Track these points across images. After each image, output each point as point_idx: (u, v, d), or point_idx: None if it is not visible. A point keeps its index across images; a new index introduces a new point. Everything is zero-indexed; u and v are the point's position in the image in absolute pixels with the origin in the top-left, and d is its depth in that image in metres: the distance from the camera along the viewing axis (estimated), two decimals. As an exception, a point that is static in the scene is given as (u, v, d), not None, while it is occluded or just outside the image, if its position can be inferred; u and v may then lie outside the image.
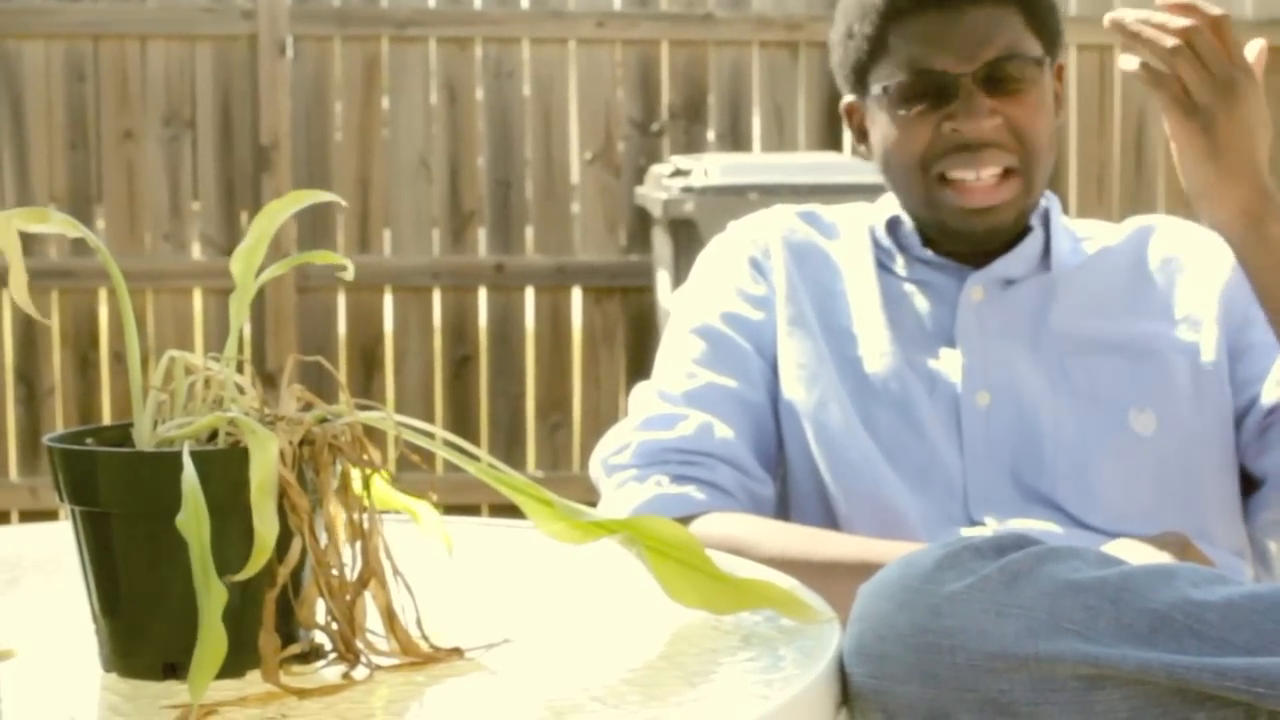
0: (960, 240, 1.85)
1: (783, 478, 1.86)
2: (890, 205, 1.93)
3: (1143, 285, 1.87)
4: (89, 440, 1.14)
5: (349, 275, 1.17)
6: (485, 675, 1.11)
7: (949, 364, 1.82)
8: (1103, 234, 1.93)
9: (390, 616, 1.12)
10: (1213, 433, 1.80)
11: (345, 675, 1.10)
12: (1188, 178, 1.71)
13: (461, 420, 4.86)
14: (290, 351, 4.64)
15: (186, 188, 4.79)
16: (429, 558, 1.28)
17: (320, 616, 1.11)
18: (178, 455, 1.04)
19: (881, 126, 1.86)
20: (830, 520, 1.79)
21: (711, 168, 4.19)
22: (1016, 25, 1.82)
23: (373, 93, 4.84)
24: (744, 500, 1.77)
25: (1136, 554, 1.58)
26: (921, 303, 1.87)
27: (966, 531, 1.73)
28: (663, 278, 4.43)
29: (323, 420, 1.12)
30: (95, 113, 4.74)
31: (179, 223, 4.79)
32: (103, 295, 4.77)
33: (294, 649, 1.09)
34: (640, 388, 1.88)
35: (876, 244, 1.92)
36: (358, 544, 1.11)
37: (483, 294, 4.89)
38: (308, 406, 1.13)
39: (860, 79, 1.88)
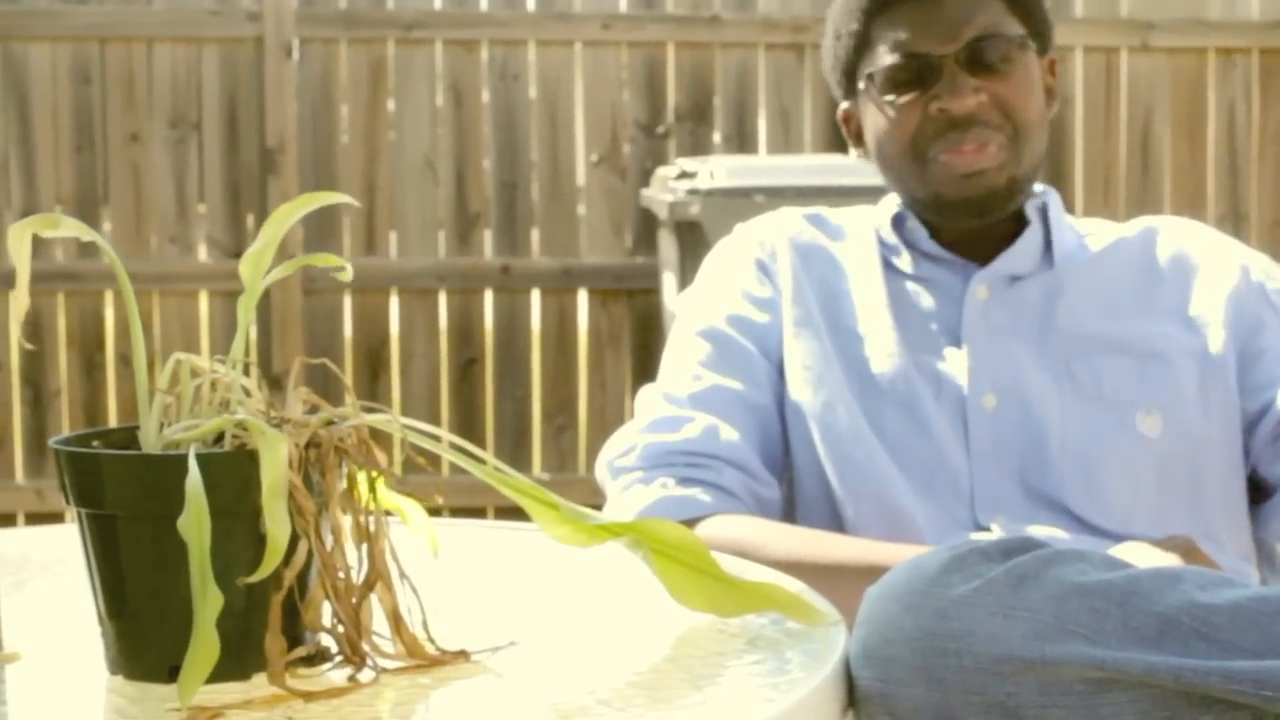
0: (958, 212, 1.85)
1: (789, 480, 1.86)
2: (894, 204, 1.93)
3: (1150, 285, 1.87)
4: (95, 443, 1.14)
5: (347, 276, 1.17)
6: (491, 678, 1.11)
7: (955, 365, 1.82)
8: (1108, 232, 1.93)
9: (396, 619, 1.12)
10: (1219, 437, 1.79)
11: (351, 678, 1.10)
12: None
13: (467, 423, 4.86)
14: (296, 354, 4.64)
15: (192, 190, 4.79)
16: (434, 560, 1.28)
17: (326, 619, 1.11)
18: (184, 458, 1.04)
19: (871, 117, 1.88)
20: (836, 522, 1.79)
21: (717, 170, 4.19)
22: (997, 8, 1.85)
23: (378, 95, 4.84)
24: (750, 503, 1.77)
25: (1143, 557, 1.58)
26: (927, 302, 1.87)
27: (973, 535, 1.73)
28: (668, 280, 4.43)
29: (329, 423, 1.12)
30: (101, 115, 4.74)
31: (185, 225, 4.79)
32: (108, 298, 4.77)
33: (300, 652, 1.09)
34: (646, 390, 1.88)
35: (882, 242, 1.92)
36: (364, 547, 1.11)
37: (488, 296, 4.89)
38: (314, 409, 1.13)
39: (851, 78, 1.90)
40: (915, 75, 1.83)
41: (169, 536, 1.03)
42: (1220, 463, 1.79)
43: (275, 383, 4.49)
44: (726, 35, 4.91)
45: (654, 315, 4.77)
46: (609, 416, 4.84)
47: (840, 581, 1.47)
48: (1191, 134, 5.09)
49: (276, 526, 1.03)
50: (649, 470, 1.77)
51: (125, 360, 4.76)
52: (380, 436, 1.16)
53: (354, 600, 1.10)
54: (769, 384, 1.85)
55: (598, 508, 1.35)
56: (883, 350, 1.83)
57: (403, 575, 1.12)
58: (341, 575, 1.10)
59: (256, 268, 1.15)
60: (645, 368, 4.75)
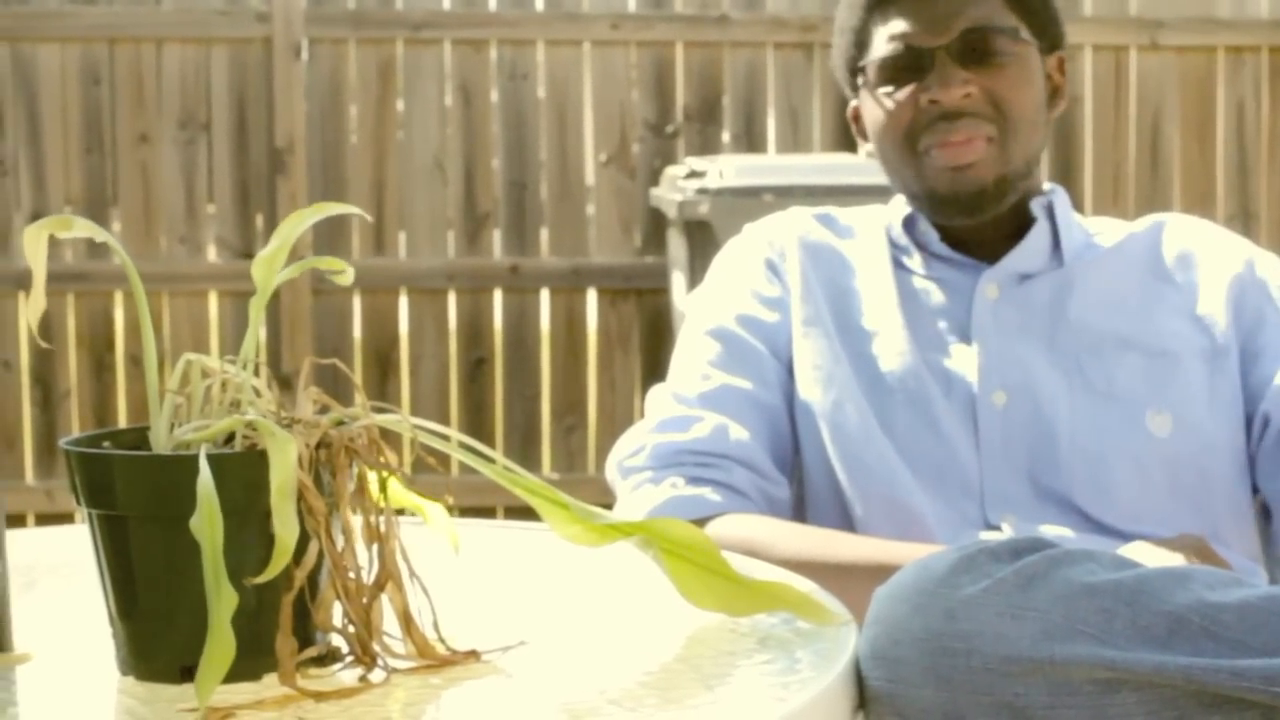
0: (949, 209, 1.85)
1: (798, 479, 1.86)
2: (905, 204, 1.93)
3: (1158, 282, 1.87)
4: (105, 443, 1.14)
5: (347, 280, 1.17)
6: (502, 678, 1.11)
7: (965, 363, 1.82)
8: (1116, 230, 1.93)
9: (407, 619, 1.12)
10: (1226, 438, 1.79)
11: (362, 678, 1.10)
12: None
13: (477, 422, 4.86)
14: (306, 354, 4.64)
15: (201, 191, 4.79)
16: (445, 560, 1.29)
17: (337, 619, 1.11)
18: (194, 459, 1.04)
19: (869, 110, 1.89)
20: (846, 521, 1.79)
21: (726, 169, 4.19)
22: (994, 2, 1.86)
23: (388, 95, 4.84)
24: (760, 502, 1.77)
25: (1152, 556, 1.58)
26: (937, 300, 1.87)
27: (983, 534, 1.73)
28: (678, 279, 4.43)
29: (339, 423, 1.12)
30: (110, 116, 4.75)
31: (194, 225, 4.80)
32: (118, 298, 4.77)
33: (311, 652, 1.10)
34: (655, 390, 1.88)
35: (892, 243, 1.92)
36: (374, 547, 1.11)
37: (498, 296, 4.89)
38: (324, 409, 1.13)
39: (855, 74, 1.91)
40: (908, 67, 1.84)
41: (180, 537, 1.03)
42: (1227, 465, 1.79)
43: (285, 383, 4.49)
44: (735, 35, 4.91)
45: (663, 315, 4.77)
46: (618, 416, 4.84)
47: (850, 581, 1.47)
48: (1201, 132, 5.08)
49: (285, 527, 1.04)
50: (659, 470, 1.77)
51: (135, 360, 4.77)
52: (390, 436, 1.16)
53: (365, 600, 1.10)
54: (778, 383, 1.85)
55: (608, 507, 1.35)
56: (892, 349, 1.83)
57: (413, 575, 1.13)
58: (352, 575, 1.10)
59: (269, 270, 1.15)
60: (654, 367, 4.75)
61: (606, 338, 4.91)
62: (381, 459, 1.12)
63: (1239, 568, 1.71)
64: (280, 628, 1.06)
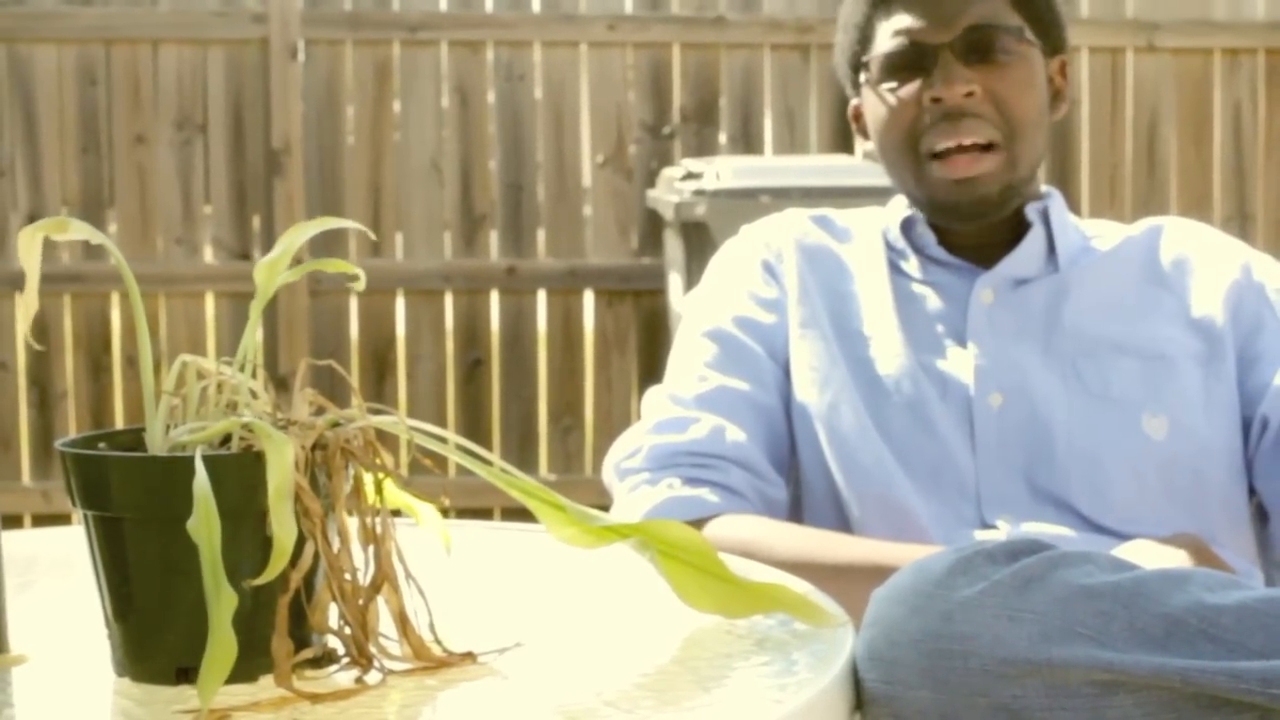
0: (950, 216, 1.86)
1: (795, 480, 1.86)
2: (902, 206, 1.93)
3: (1154, 287, 1.87)
4: (101, 445, 1.14)
5: (360, 286, 1.17)
6: (498, 680, 1.11)
7: (961, 366, 1.82)
8: (1113, 233, 1.93)
9: (403, 621, 1.12)
10: (1222, 442, 1.79)
11: (358, 680, 1.10)
12: None
13: (473, 424, 4.86)
14: (302, 355, 4.64)
15: (198, 192, 4.79)
16: (441, 562, 1.28)
17: (333, 621, 1.11)
18: (190, 460, 1.04)
19: (871, 107, 1.89)
20: (843, 523, 1.79)
21: (723, 171, 4.19)
22: (999, 1, 1.85)
23: (384, 96, 4.84)
24: (757, 503, 1.77)
25: (1151, 557, 1.58)
26: (933, 304, 1.87)
27: (979, 535, 1.73)
28: (675, 281, 4.43)
29: (335, 424, 1.12)
30: (107, 117, 4.75)
31: (191, 227, 4.80)
32: (115, 299, 4.77)
33: (307, 653, 1.09)
34: (652, 391, 1.88)
35: (889, 245, 1.92)
36: (370, 548, 1.11)
37: (494, 297, 4.89)
38: (320, 411, 1.13)
39: (856, 70, 1.91)
40: (911, 63, 1.84)
41: (176, 538, 1.03)
42: (1223, 468, 1.79)
43: (281, 384, 4.49)
44: (732, 36, 4.91)
45: (660, 316, 4.77)
46: (615, 417, 4.84)
47: (847, 582, 1.47)
48: (1197, 134, 5.08)
49: (282, 529, 1.03)
50: (656, 471, 1.77)
51: (131, 362, 4.76)
52: (386, 438, 1.16)
53: (361, 602, 1.10)
54: (775, 385, 1.85)
55: (604, 509, 1.35)
56: (888, 351, 1.83)
57: (409, 577, 1.12)
58: (348, 577, 1.10)
59: (271, 275, 1.15)
60: (651, 368, 4.75)
61: (603, 339, 4.91)
62: (378, 460, 1.12)
63: (1237, 568, 1.70)
64: (276, 629, 1.06)
